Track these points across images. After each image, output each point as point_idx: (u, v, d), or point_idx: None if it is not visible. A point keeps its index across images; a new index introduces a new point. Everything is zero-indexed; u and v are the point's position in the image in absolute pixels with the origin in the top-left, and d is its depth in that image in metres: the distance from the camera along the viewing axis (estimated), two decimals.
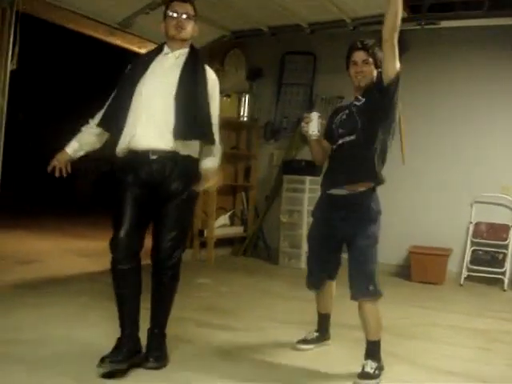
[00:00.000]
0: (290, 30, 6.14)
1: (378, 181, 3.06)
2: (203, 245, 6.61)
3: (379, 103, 3.01)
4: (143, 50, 5.29)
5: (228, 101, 6.94)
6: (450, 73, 6.21)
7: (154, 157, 2.92)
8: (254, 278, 5.79)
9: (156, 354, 2.98)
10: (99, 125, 3.02)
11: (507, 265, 5.78)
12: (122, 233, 2.88)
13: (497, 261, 5.88)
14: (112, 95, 3.05)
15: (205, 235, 6.55)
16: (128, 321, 2.94)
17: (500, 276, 5.77)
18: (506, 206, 5.97)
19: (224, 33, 6.26)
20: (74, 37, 5.65)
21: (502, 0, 5.34)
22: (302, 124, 3.16)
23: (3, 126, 4.43)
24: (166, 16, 3.03)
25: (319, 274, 3.32)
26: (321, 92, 6.78)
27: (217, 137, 3.06)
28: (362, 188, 3.04)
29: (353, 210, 3.05)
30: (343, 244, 3.16)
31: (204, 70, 3.05)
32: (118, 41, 5.45)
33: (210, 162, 3.08)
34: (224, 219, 7.05)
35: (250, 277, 5.87)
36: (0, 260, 4.69)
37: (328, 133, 3.25)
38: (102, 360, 2.77)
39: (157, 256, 3.01)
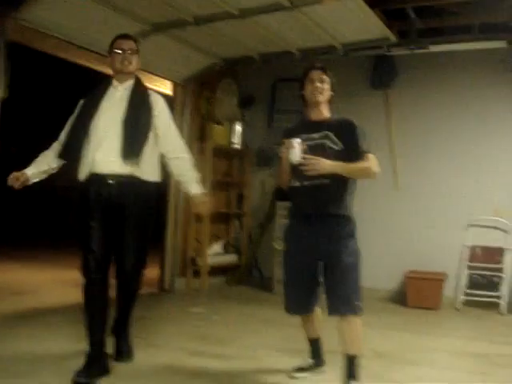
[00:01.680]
0: (280, 56, 6.16)
1: (350, 213, 3.09)
2: (196, 273, 6.55)
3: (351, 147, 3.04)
4: None
5: (220, 129, 6.95)
6: (441, 96, 6.24)
7: (112, 181, 3.17)
8: (248, 306, 5.72)
9: (127, 350, 3.46)
10: (60, 156, 3.29)
11: (503, 288, 5.75)
12: (92, 257, 3.13)
13: (493, 284, 5.85)
14: (69, 127, 3.33)
15: (198, 263, 6.49)
16: (97, 338, 3.16)
17: (497, 300, 5.73)
18: (500, 229, 5.94)
19: (215, 60, 6.28)
20: (66, 65, 5.66)
21: (490, 24, 5.40)
22: (283, 149, 3.14)
23: None
24: (111, 52, 3.33)
25: (302, 298, 3.25)
26: None
27: (185, 148, 3.41)
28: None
29: (330, 225, 3.04)
30: (323, 263, 3.09)
31: (148, 96, 3.35)
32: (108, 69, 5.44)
33: (195, 187, 3.34)
34: (217, 247, 6.99)
35: (244, 305, 5.79)
36: None
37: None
38: (78, 375, 2.99)
39: (121, 278, 3.31)
